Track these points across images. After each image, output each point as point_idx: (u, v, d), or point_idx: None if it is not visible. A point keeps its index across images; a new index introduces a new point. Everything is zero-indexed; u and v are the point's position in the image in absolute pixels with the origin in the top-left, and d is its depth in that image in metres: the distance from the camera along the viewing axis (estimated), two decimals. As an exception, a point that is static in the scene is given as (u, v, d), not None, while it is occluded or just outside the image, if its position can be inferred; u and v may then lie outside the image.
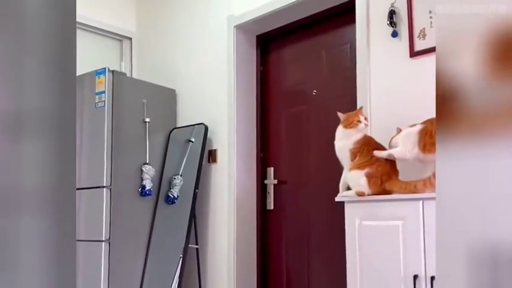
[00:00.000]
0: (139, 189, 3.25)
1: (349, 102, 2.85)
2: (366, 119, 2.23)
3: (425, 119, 2.10)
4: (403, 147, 2.06)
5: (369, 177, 2.10)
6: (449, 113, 1.04)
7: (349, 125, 2.22)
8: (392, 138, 2.16)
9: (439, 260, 1.05)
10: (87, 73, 3.24)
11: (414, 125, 2.09)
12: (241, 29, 3.36)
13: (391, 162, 2.15)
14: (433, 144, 1.95)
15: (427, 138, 1.99)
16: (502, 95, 1.01)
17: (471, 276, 1.01)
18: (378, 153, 2.13)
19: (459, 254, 1.02)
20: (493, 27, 1.03)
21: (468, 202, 1.03)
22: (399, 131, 2.15)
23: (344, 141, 2.22)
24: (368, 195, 2.09)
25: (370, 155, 2.14)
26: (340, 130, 2.25)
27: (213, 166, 3.39)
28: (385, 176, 2.10)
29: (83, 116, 3.21)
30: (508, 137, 1.00)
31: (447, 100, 1.05)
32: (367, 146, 2.18)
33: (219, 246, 3.30)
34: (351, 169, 2.17)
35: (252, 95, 3.40)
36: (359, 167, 2.14)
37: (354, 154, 2.19)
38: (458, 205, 1.04)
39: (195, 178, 3.24)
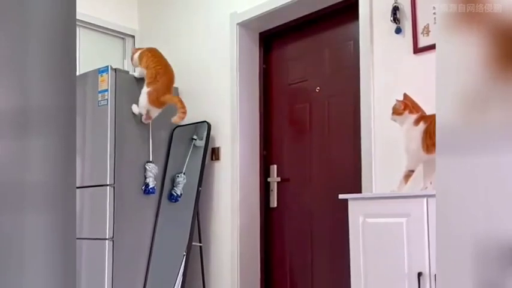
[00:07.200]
0: (143, 187, 3.25)
1: (353, 99, 2.85)
2: None
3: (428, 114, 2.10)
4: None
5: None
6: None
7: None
8: (396, 110, 2.16)
9: (439, 258, 1.04)
10: (90, 71, 3.24)
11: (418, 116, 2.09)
12: (244, 26, 3.35)
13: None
14: (433, 145, 1.96)
15: (428, 140, 2.00)
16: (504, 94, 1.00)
17: (475, 273, 1.00)
18: None
19: (461, 250, 1.01)
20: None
21: (471, 197, 1.02)
22: (405, 105, 2.14)
23: None
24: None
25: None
26: None
27: (216, 164, 3.39)
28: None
29: (86, 114, 3.21)
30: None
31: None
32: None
33: (222, 244, 3.29)
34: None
35: (255, 93, 3.40)
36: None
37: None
38: (459, 200, 1.03)
39: (198, 176, 3.24)
